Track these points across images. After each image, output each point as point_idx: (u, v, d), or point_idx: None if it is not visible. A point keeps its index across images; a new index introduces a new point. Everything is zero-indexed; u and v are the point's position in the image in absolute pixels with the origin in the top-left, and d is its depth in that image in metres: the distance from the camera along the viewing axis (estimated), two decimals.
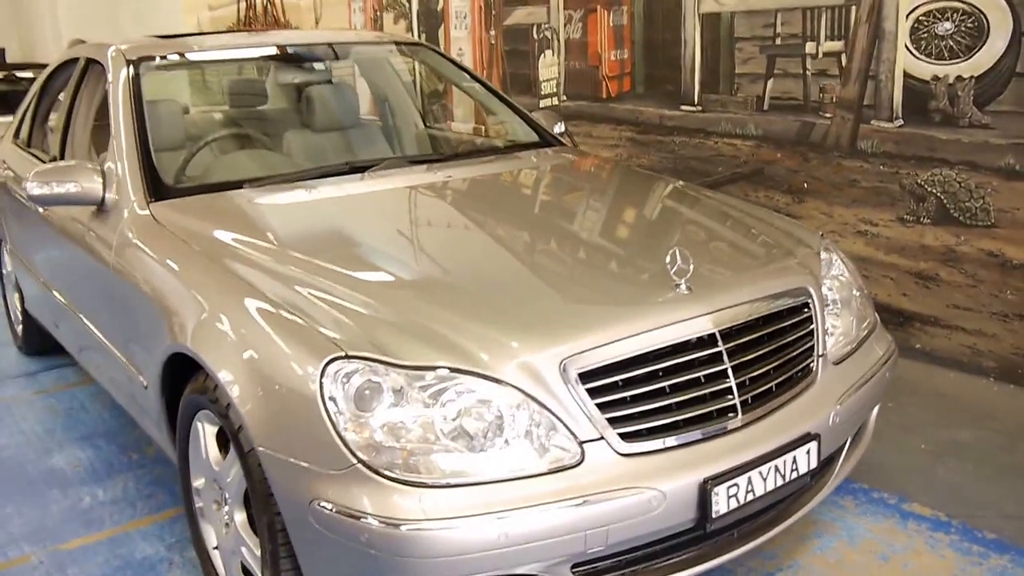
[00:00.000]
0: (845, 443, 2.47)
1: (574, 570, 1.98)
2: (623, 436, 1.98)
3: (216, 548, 2.49)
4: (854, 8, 3.91)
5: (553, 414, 1.94)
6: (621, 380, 2.02)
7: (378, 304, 2.11)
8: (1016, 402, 3.53)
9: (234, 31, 7.74)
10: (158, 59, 3.35)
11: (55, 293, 3.56)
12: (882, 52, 3.83)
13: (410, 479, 1.87)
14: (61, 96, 4.32)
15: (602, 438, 1.97)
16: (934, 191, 3.75)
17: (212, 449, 2.37)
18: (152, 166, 2.93)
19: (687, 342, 2.11)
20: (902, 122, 3.82)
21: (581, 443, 1.95)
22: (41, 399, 4.07)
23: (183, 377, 2.48)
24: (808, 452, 2.20)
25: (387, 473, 1.87)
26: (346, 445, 1.88)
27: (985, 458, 3.11)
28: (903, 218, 3.88)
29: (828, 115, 4.07)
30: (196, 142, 3.30)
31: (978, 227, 3.64)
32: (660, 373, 2.06)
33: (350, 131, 3.75)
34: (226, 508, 2.36)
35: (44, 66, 4.89)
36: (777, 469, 2.14)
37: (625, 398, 2.01)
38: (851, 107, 3.98)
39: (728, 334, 2.17)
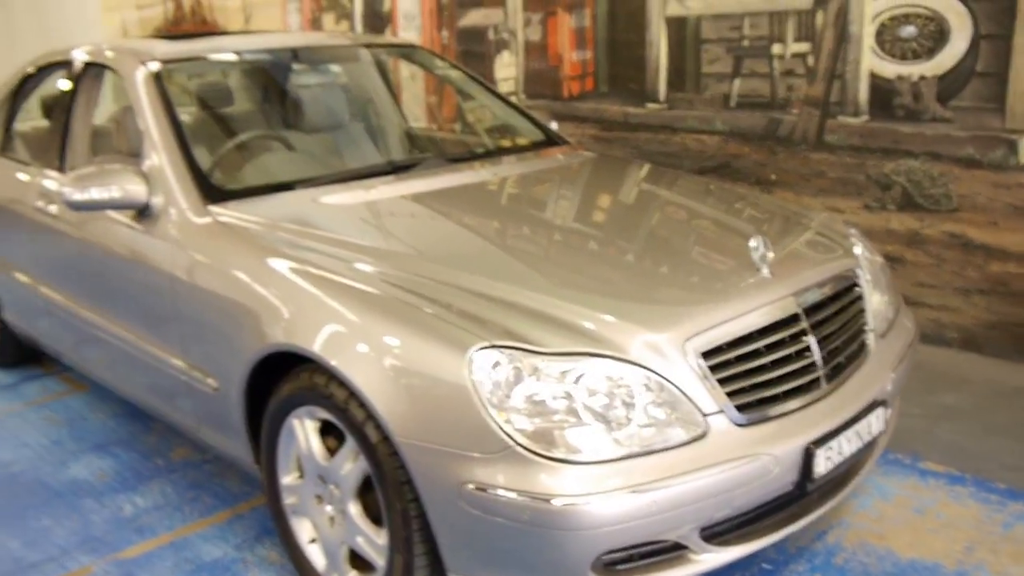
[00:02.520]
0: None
1: (701, 534, 2.16)
2: (738, 408, 2.17)
3: (313, 542, 2.55)
4: (820, 12, 4.22)
5: (680, 390, 2.11)
6: (733, 357, 2.21)
7: (502, 295, 2.23)
8: (981, 368, 3.92)
9: (163, 32, 7.55)
10: (173, 60, 3.34)
11: (66, 302, 3.49)
12: (848, 53, 4.16)
13: (561, 456, 2.00)
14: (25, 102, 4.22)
15: (722, 411, 2.15)
16: (899, 180, 4.10)
17: (316, 445, 2.43)
18: (199, 170, 2.93)
19: (778, 321, 2.32)
20: (867, 117, 4.16)
21: (705, 416, 2.13)
22: (33, 411, 3.95)
23: (265, 379, 2.54)
24: (878, 416, 2.46)
25: (540, 452, 1.99)
26: (500, 428, 2.00)
27: (972, 419, 3.46)
28: (869, 205, 4.23)
29: (795, 111, 4.38)
30: (219, 144, 3.32)
31: (941, 212, 4.01)
32: (761, 350, 2.27)
33: (355, 131, 3.82)
34: (332, 502, 2.42)
35: None
36: (858, 433, 2.38)
37: (737, 373, 2.20)
38: (818, 104, 4.30)
39: (807, 312, 2.39)
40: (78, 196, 2.84)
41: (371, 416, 2.19)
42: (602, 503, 1.97)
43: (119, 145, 3.42)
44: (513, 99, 5.31)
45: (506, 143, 3.73)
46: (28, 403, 4.04)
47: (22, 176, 3.78)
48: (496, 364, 2.04)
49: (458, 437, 2.05)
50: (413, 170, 3.15)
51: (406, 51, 4.26)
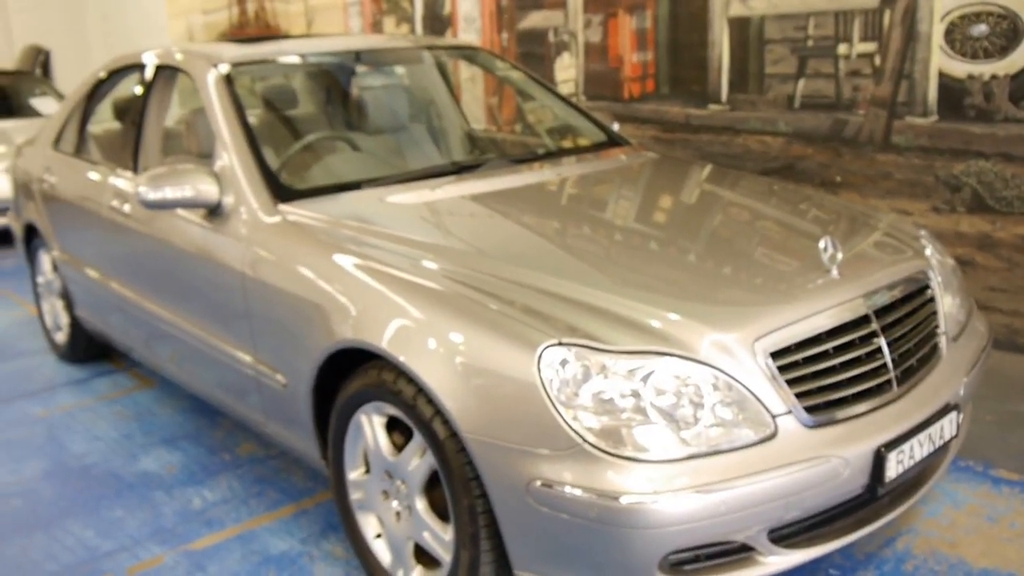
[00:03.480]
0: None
1: (769, 536, 2.14)
2: (807, 409, 2.15)
3: (379, 537, 2.58)
4: (887, 11, 4.15)
5: (749, 390, 2.10)
6: (802, 358, 2.18)
7: (566, 293, 2.23)
8: None
9: (229, 36, 7.71)
10: (242, 63, 3.40)
11: (137, 298, 3.57)
12: (916, 52, 4.08)
13: (629, 455, 2.00)
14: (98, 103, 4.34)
15: (790, 412, 2.13)
16: (969, 181, 4.02)
17: (383, 441, 2.46)
18: (269, 170, 2.99)
19: (847, 322, 2.29)
20: (936, 117, 4.08)
21: (774, 417, 2.11)
22: (105, 405, 4.06)
23: (334, 375, 2.58)
24: (950, 421, 2.41)
25: (608, 450, 1.99)
26: (568, 426, 2.00)
27: None
28: (937, 207, 4.14)
29: (861, 112, 4.32)
30: (287, 145, 3.37)
31: (1014, 214, 3.92)
32: (830, 351, 2.24)
33: (417, 132, 3.86)
34: (399, 497, 2.45)
35: None
36: (930, 437, 2.34)
37: (806, 374, 2.18)
38: (885, 104, 4.23)
39: (877, 314, 2.36)
40: (153, 195, 2.92)
41: (439, 412, 2.21)
42: (670, 502, 1.97)
43: (189, 146, 3.50)
44: (574, 100, 5.32)
45: (567, 144, 3.74)
46: (99, 398, 4.15)
47: (95, 176, 3.89)
48: (564, 362, 2.04)
49: (526, 434, 2.06)
50: (477, 171, 3.17)
51: (467, 53, 4.29)
